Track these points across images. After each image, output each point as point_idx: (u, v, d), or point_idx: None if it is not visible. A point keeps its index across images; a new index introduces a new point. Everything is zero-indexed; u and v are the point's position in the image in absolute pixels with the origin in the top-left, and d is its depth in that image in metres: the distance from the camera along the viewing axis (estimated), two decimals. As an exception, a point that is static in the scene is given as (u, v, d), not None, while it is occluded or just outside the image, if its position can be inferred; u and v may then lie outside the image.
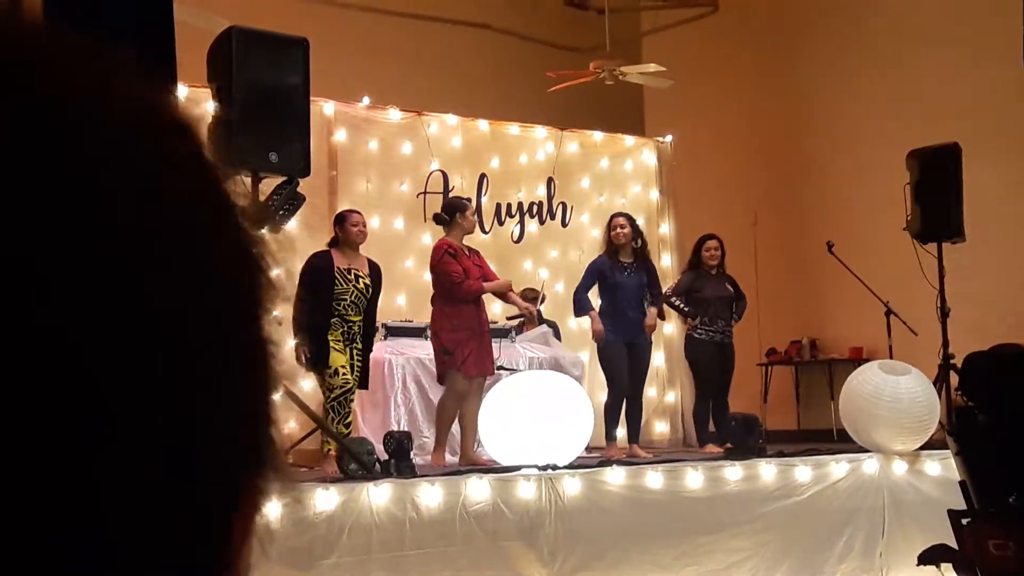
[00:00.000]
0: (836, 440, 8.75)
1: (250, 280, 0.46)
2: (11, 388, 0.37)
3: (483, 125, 10.11)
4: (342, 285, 7.18)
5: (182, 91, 6.74)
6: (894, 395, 7.09)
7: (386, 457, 6.10)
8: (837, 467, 7.02)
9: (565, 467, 6.37)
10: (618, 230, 8.22)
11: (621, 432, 8.20)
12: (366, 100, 9.44)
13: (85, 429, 0.38)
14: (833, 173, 12.06)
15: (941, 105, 10.83)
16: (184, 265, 0.42)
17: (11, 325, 0.37)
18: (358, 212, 7.60)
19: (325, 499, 5.40)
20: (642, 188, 10.88)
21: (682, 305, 8.79)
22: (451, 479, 5.88)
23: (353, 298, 7.22)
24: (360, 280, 7.28)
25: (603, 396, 8.28)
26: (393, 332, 8.51)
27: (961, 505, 4.38)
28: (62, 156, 0.39)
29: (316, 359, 6.96)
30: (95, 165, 0.40)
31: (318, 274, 7.03)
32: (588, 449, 7.29)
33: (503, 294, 7.76)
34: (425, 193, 9.59)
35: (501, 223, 10.08)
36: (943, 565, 4.60)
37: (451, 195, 9.34)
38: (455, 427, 7.56)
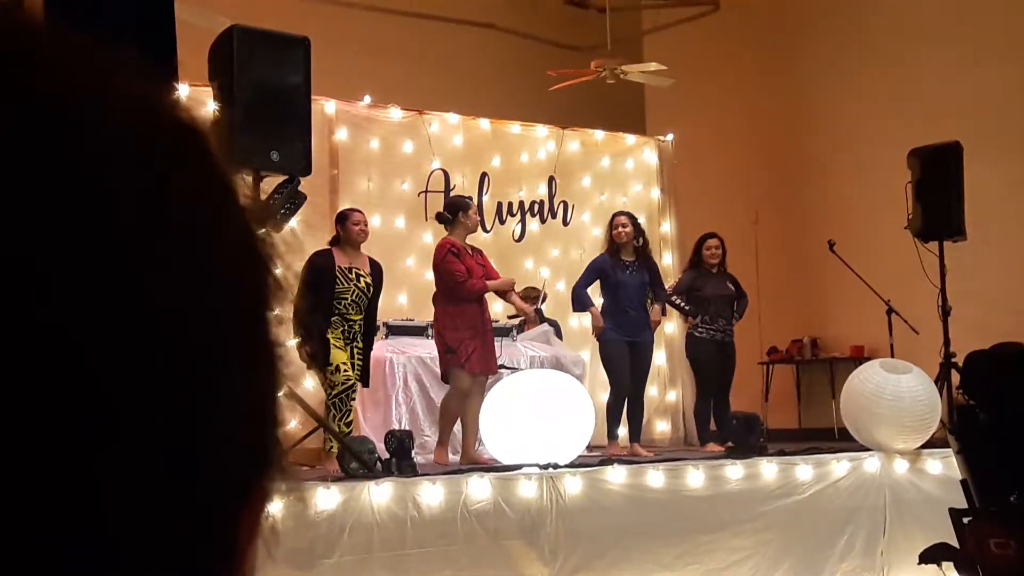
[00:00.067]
0: (837, 439, 8.75)
1: (255, 280, 0.45)
2: (12, 387, 0.37)
3: (484, 124, 10.10)
4: (343, 284, 7.17)
5: (183, 90, 6.74)
6: (895, 394, 7.09)
7: (387, 456, 6.11)
8: (838, 466, 7.02)
9: (566, 466, 6.36)
10: (620, 229, 8.21)
11: (622, 431, 8.19)
12: (367, 99, 9.44)
13: (86, 428, 0.38)
14: (834, 172, 12.06)
15: (942, 104, 10.83)
16: (185, 265, 0.41)
17: (12, 324, 0.37)
18: (359, 211, 7.60)
19: (326, 498, 5.40)
20: (643, 187, 10.88)
21: (683, 304, 8.79)
22: (452, 478, 5.89)
23: (354, 297, 7.22)
24: (361, 279, 7.27)
25: (604, 395, 8.28)
26: (394, 331, 8.52)
27: (962, 504, 4.37)
28: (63, 155, 0.39)
29: (317, 358, 6.95)
30: (96, 164, 0.40)
31: (319, 273, 7.01)
32: (589, 448, 7.29)
33: (505, 293, 7.76)
34: (426, 192, 9.59)
35: (502, 222, 10.08)
36: (944, 564, 4.59)
37: (452, 194, 9.34)
38: (457, 426, 7.56)
